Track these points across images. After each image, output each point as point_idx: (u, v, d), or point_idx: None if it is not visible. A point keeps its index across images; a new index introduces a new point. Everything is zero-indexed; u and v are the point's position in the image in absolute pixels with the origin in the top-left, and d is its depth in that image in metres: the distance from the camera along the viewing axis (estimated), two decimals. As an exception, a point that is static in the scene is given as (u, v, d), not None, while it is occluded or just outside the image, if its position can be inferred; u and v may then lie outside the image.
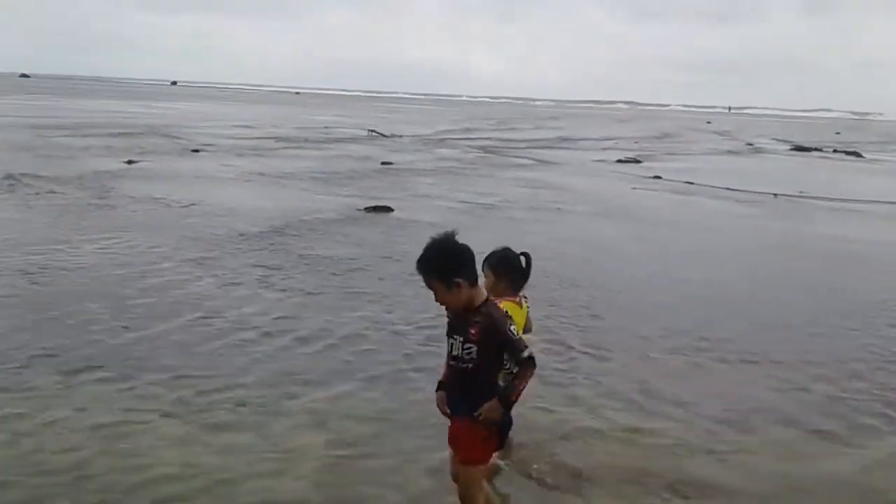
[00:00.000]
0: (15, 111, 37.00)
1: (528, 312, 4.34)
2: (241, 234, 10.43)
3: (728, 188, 18.92)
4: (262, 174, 17.59)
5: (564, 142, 37.05)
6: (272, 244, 9.97)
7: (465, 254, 3.49)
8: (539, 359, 3.59)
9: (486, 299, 3.54)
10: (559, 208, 14.74)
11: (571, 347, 6.56)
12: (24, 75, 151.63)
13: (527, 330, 4.30)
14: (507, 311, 3.65)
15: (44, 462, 4.25)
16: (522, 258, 4.33)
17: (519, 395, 3.46)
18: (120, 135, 26.09)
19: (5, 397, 5.02)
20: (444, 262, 3.47)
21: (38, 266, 8.20)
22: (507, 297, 4.16)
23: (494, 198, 15.57)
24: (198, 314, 6.90)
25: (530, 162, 24.76)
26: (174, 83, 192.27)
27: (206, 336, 6.36)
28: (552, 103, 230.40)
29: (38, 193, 13.06)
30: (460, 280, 3.43)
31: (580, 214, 14.20)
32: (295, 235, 10.59)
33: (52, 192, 13.30)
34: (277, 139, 28.79)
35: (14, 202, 12.18)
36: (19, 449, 4.39)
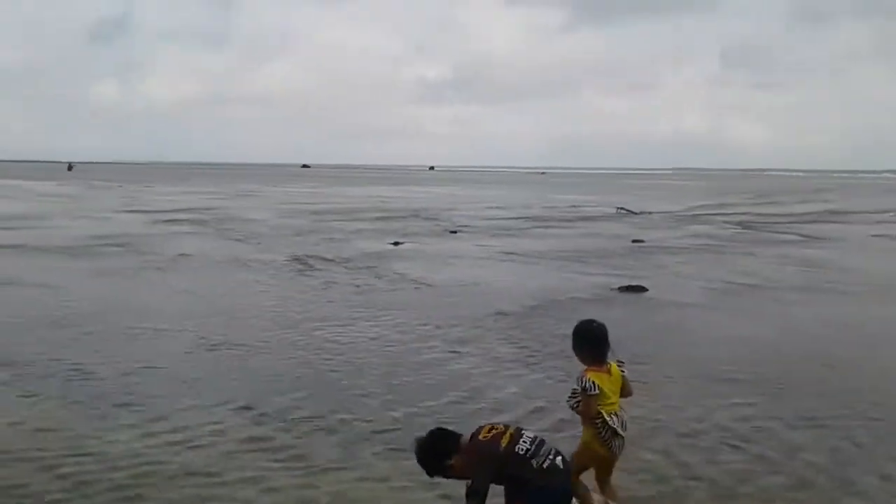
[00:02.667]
0: (297, 199, 41.82)
1: (623, 376, 4.53)
2: (499, 313, 10.73)
3: None
4: (515, 254, 18.09)
5: (834, 215, 34.12)
6: (530, 323, 10.13)
7: (433, 444, 4.00)
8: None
9: (462, 453, 3.93)
10: (835, 289, 13.47)
11: (853, 441, 5.87)
12: (304, 165, 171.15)
13: (626, 394, 4.57)
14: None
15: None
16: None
17: None
18: (385, 218, 28.37)
19: (293, 464, 5.51)
20: (429, 463, 4.03)
21: (320, 341, 9.03)
22: (592, 368, 4.47)
23: (757, 277, 14.63)
24: (462, 392, 7.15)
25: (796, 238, 23.04)
26: (432, 168, 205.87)
27: (470, 413, 6.54)
28: (814, 174, 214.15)
29: (319, 273, 14.48)
30: (450, 462, 3.95)
31: (860, 296, 12.85)
32: (550, 315, 10.67)
33: (331, 271, 14.69)
34: (528, 219, 29.59)
35: (299, 281, 13.58)
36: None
